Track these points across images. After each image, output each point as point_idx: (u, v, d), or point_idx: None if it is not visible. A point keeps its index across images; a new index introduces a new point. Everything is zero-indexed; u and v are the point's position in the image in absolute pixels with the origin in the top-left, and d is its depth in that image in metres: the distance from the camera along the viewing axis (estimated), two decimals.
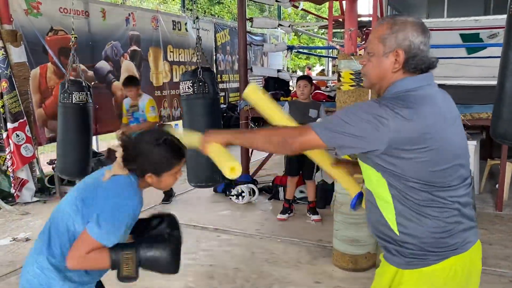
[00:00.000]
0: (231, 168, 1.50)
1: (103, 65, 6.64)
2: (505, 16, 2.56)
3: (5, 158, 5.07)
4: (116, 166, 1.62)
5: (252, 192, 5.07)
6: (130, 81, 4.78)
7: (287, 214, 4.53)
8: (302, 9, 6.30)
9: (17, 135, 5.01)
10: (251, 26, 6.47)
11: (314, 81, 4.76)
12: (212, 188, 5.36)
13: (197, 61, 3.56)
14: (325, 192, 4.77)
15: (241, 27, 5.81)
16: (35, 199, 5.16)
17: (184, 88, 3.44)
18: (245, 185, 5.09)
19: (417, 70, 1.39)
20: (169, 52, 8.02)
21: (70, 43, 4.25)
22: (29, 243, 3.93)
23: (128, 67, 7.07)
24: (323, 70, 16.58)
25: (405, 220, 1.38)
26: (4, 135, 5.00)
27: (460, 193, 1.39)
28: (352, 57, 3.17)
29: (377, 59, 1.42)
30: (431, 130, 1.31)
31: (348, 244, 3.32)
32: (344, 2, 3.70)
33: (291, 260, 3.57)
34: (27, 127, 5.08)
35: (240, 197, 5.05)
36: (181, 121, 7.86)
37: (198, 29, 3.89)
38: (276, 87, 6.56)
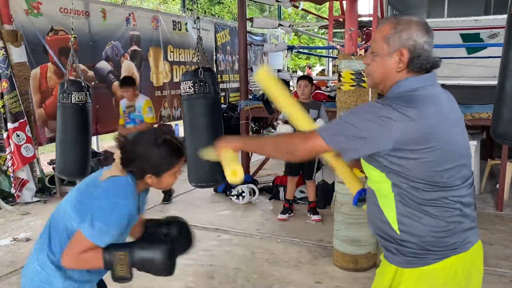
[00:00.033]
0: (232, 171, 1.52)
1: (104, 65, 6.64)
2: (505, 16, 2.56)
3: (6, 158, 5.07)
4: (114, 167, 1.61)
5: (252, 192, 5.08)
6: (127, 81, 4.78)
7: (287, 214, 4.53)
8: (303, 9, 6.29)
9: (18, 135, 5.01)
10: (251, 26, 6.48)
11: (314, 81, 4.75)
12: (212, 188, 5.36)
13: (198, 61, 3.57)
14: (326, 192, 4.77)
15: (242, 27, 5.82)
16: (35, 199, 5.15)
17: (185, 88, 3.45)
18: (246, 185, 5.09)
19: (422, 69, 1.39)
20: (169, 52, 8.02)
21: (70, 43, 4.25)
22: (29, 243, 3.93)
23: (128, 67, 7.07)
24: (323, 70, 16.58)
25: (406, 218, 1.39)
26: (5, 135, 5.01)
27: (462, 193, 1.39)
28: (352, 57, 3.17)
29: (381, 59, 1.42)
30: (435, 130, 1.31)
31: (349, 244, 3.32)
32: (344, 2, 3.70)
33: (292, 260, 3.57)
34: (28, 127, 5.08)
35: (240, 197, 5.06)
36: (181, 121, 7.89)
37: (198, 29, 3.89)
38: None
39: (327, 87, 7.58)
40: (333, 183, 3.86)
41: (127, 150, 1.60)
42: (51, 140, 5.70)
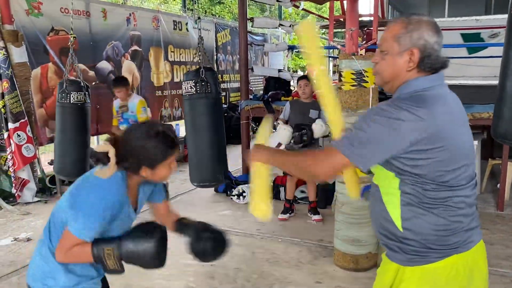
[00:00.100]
0: (259, 210, 1.56)
1: (104, 65, 6.64)
2: (506, 15, 2.56)
3: (6, 158, 5.08)
4: (111, 166, 1.59)
5: None
6: (119, 81, 4.78)
7: (288, 214, 4.53)
8: (303, 9, 6.27)
9: (18, 135, 5.01)
10: (252, 26, 6.46)
11: None
12: (213, 188, 5.36)
13: (199, 61, 3.57)
14: (326, 192, 4.77)
15: (242, 27, 5.81)
16: (36, 199, 5.16)
17: (186, 88, 3.45)
18: (246, 185, 5.09)
19: (432, 69, 1.40)
20: (170, 52, 8.02)
21: (69, 43, 4.25)
22: (30, 243, 3.93)
23: (129, 67, 7.07)
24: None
25: (410, 216, 1.39)
26: (5, 135, 5.01)
27: (467, 193, 1.40)
28: (353, 57, 3.17)
29: (391, 58, 1.42)
30: (445, 129, 1.32)
31: (349, 244, 3.32)
32: (345, 2, 3.70)
33: (292, 260, 3.57)
34: (28, 127, 5.09)
35: (241, 197, 5.06)
36: (182, 121, 7.90)
37: (199, 29, 3.89)
38: (276, 87, 6.56)
39: None
40: (334, 183, 3.86)
41: (121, 145, 1.59)
42: (52, 140, 5.69)
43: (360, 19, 3.68)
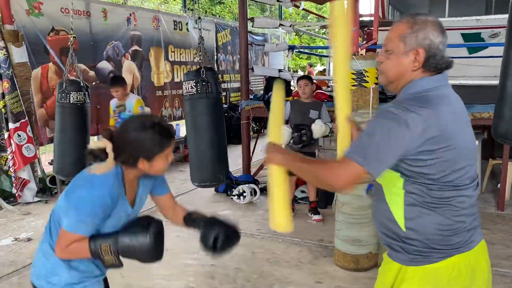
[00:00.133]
0: (278, 223, 1.61)
1: (105, 65, 6.64)
2: (506, 15, 2.56)
3: (7, 158, 5.08)
4: (109, 161, 1.59)
5: (253, 192, 5.07)
6: (116, 81, 4.77)
7: None
8: (303, 9, 6.29)
9: (19, 135, 5.01)
10: (252, 26, 6.46)
11: (314, 81, 4.75)
12: (213, 188, 5.36)
13: (200, 61, 3.57)
14: (326, 192, 4.76)
15: (242, 27, 5.81)
16: (36, 199, 5.16)
17: (187, 88, 3.45)
18: (247, 185, 5.09)
19: (437, 69, 1.40)
20: (170, 52, 8.02)
21: (69, 43, 4.26)
22: (31, 243, 3.94)
23: (129, 67, 7.07)
24: (324, 70, 16.56)
25: (413, 216, 1.39)
26: (6, 135, 5.01)
27: (469, 193, 1.40)
28: (353, 57, 3.16)
29: (396, 57, 1.42)
30: (450, 129, 1.32)
31: (350, 244, 3.31)
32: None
33: (292, 260, 3.57)
34: (29, 127, 5.09)
35: (241, 197, 5.05)
36: (182, 121, 7.89)
37: (200, 29, 3.89)
38: None
39: (328, 87, 7.58)
40: None
41: (117, 139, 1.59)
42: (52, 140, 5.70)
43: (360, 19, 3.68)
